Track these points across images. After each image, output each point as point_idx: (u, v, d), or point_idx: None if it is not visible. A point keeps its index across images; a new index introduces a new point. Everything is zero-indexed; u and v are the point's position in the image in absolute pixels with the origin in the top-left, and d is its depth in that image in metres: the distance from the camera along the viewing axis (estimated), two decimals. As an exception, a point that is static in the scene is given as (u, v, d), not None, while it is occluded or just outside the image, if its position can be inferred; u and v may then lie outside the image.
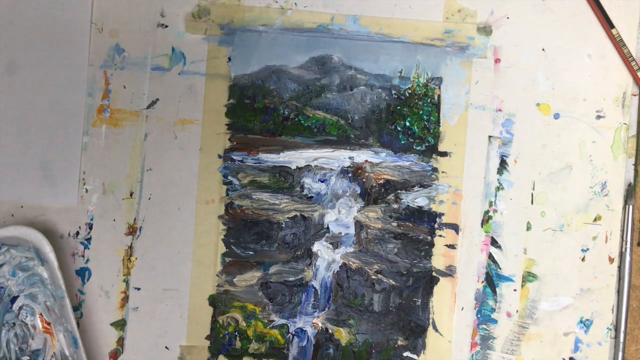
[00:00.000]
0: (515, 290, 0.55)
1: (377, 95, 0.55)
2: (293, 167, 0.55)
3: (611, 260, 0.55)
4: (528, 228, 0.55)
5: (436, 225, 0.55)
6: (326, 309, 0.55)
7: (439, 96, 0.55)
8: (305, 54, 0.55)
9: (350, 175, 0.55)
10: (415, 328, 0.55)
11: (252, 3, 0.55)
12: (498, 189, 0.55)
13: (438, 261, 0.55)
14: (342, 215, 0.55)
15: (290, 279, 0.55)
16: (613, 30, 0.55)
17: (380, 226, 0.55)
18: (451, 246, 0.55)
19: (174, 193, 0.55)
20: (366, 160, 0.55)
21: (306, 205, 0.55)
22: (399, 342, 0.55)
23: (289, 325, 0.55)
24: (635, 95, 0.56)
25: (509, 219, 0.55)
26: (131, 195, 0.55)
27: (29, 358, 0.53)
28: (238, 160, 0.55)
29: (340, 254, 0.55)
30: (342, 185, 0.55)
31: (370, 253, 0.55)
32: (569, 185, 0.55)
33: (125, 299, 0.54)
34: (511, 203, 0.55)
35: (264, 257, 0.55)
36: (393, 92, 0.55)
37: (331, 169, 0.55)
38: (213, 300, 0.55)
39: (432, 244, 0.55)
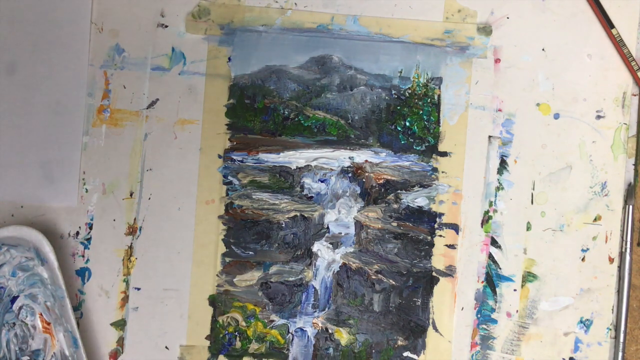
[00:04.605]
0: (515, 290, 0.55)
1: (377, 95, 0.55)
2: (293, 167, 0.55)
3: (611, 260, 0.55)
4: (528, 228, 0.55)
5: (436, 225, 0.55)
6: (326, 309, 0.55)
7: (439, 96, 0.55)
8: (305, 54, 0.55)
9: (350, 175, 0.55)
10: (415, 328, 0.55)
11: (252, 3, 0.55)
12: (498, 189, 0.55)
13: (438, 261, 0.55)
14: (342, 215, 0.55)
15: (290, 279, 0.55)
16: (613, 30, 0.55)
17: (380, 226, 0.55)
18: (451, 246, 0.55)
19: (174, 193, 0.55)
20: (366, 160, 0.55)
21: (306, 205, 0.55)
22: (399, 342, 0.55)
23: (289, 325, 0.55)
24: (635, 95, 0.56)
25: (509, 219, 0.55)
26: (131, 195, 0.55)
27: (29, 358, 0.53)
28: (238, 160, 0.55)
29: (340, 254, 0.55)
30: (342, 185, 0.55)
31: (370, 253, 0.55)
32: (569, 185, 0.55)
33: (125, 299, 0.54)
34: (511, 203, 0.55)
35: (264, 257, 0.55)
36: (393, 92, 0.55)
37: (331, 169, 0.55)
38: (213, 300, 0.55)
39: (432, 244, 0.55)
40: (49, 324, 0.53)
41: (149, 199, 0.55)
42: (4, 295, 0.52)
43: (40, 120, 0.54)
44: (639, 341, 0.56)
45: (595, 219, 0.56)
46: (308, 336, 0.55)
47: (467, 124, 0.55)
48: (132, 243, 0.55)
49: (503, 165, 0.55)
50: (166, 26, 0.55)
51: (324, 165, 0.55)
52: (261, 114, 0.55)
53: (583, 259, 0.55)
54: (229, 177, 0.55)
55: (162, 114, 0.55)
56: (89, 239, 0.54)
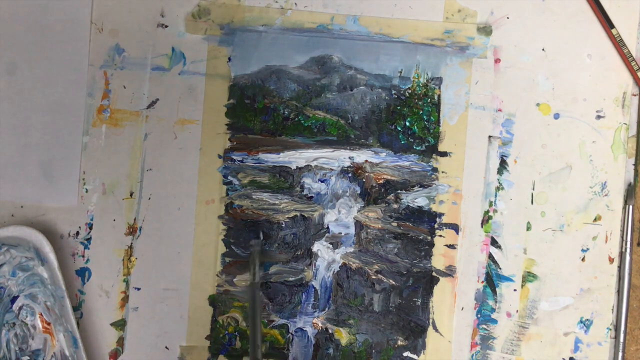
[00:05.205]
0: (515, 290, 0.55)
1: (377, 95, 0.55)
2: (293, 167, 0.55)
3: (611, 260, 0.55)
4: (528, 228, 0.55)
5: (436, 225, 0.55)
6: (326, 309, 0.55)
7: (439, 96, 0.55)
8: (305, 54, 0.55)
9: (350, 175, 0.55)
10: (415, 328, 0.55)
11: (252, 3, 0.55)
12: (498, 189, 0.55)
13: (438, 261, 0.55)
14: (342, 215, 0.55)
15: (290, 279, 0.55)
16: (613, 30, 0.55)
17: (380, 226, 0.55)
18: (451, 246, 0.55)
19: (174, 193, 0.55)
20: (366, 160, 0.55)
21: (306, 205, 0.55)
22: (399, 342, 0.55)
23: (289, 325, 0.55)
24: (635, 95, 0.56)
25: (509, 219, 0.55)
26: (131, 195, 0.55)
27: (29, 358, 0.53)
28: (238, 160, 0.55)
29: (340, 254, 0.55)
30: (342, 185, 0.55)
31: (370, 253, 0.55)
32: (569, 185, 0.55)
33: (125, 299, 0.54)
34: (511, 203, 0.55)
35: (264, 257, 0.55)
36: (393, 92, 0.55)
37: (331, 169, 0.55)
38: (213, 300, 0.55)
39: (432, 244, 0.55)
40: (49, 324, 0.53)
41: (149, 199, 0.55)
42: (4, 295, 0.52)
43: (40, 120, 0.54)
44: (639, 341, 0.56)
45: (595, 219, 0.56)
46: (308, 336, 0.55)
47: (467, 124, 0.55)
48: (132, 243, 0.55)
49: (503, 165, 0.55)
50: (166, 26, 0.55)
51: (324, 165, 0.55)
52: (261, 114, 0.55)
53: (583, 259, 0.55)
54: (229, 177, 0.55)
55: (162, 114, 0.55)
56: (89, 239, 0.54)
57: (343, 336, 0.55)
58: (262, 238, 0.54)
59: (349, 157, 0.55)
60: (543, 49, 0.55)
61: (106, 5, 0.55)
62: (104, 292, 0.54)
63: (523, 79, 0.55)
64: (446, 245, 0.55)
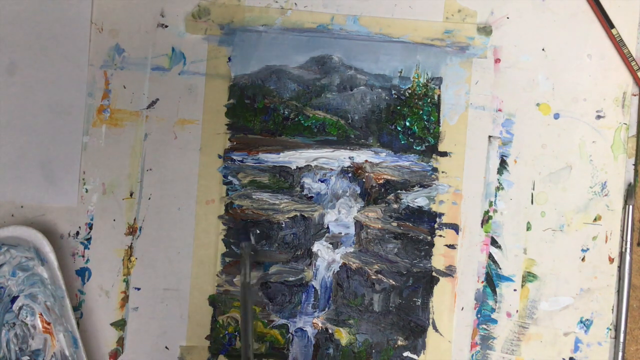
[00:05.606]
0: (515, 290, 0.55)
1: (377, 95, 0.55)
2: (293, 167, 0.55)
3: (611, 260, 0.55)
4: (528, 228, 0.55)
5: (436, 225, 0.55)
6: (326, 309, 0.55)
7: (439, 96, 0.55)
8: (305, 54, 0.55)
9: (350, 175, 0.55)
10: (415, 328, 0.55)
11: (252, 3, 0.55)
12: (498, 189, 0.55)
13: (438, 261, 0.55)
14: (342, 215, 0.55)
15: (290, 279, 0.55)
16: (613, 30, 0.55)
17: (380, 226, 0.55)
18: (451, 246, 0.55)
19: (174, 193, 0.55)
20: (366, 160, 0.55)
21: (306, 205, 0.55)
22: (399, 342, 0.55)
23: (289, 325, 0.55)
24: (635, 95, 0.56)
25: (509, 219, 0.55)
26: (131, 195, 0.55)
27: (29, 358, 0.53)
28: (238, 160, 0.55)
29: (340, 254, 0.55)
30: (342, 185, 0.55)
31: (370, 253, 0.55)
32: (569, 185, 0.56)
33: (125, 299, 0.54)
34: (511, 203, 0.55)
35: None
36: (393, 92, 0.55)
37: (331, 169, 0.55)
38: (213, 300, 0.55)
39: (432, 244, 0.55)
40: (49, 324, 0.53)
41: (149, 199, 0.55)
42: (4, 295, 0.52)
43: (40, 120, 0.54)
44: (639, 341, 0.56)
45: (595, 219, 0.56)
46: (308, 336, 0.55)
47: (467, 124, 0.55)
48: (132, 243, 0.55)
49: (503, 165, 0.55)
50: (166, 26, 0.55)
51: (324, 165, 0.55)
52: (261, 114, 0.55)
53: (583, 259, 0.55)
54: (229, 177, 0.55)
55: (162, 114, 0.55)
56: (89, 239, 0.54)
57: (343, 336, 0.55)
58: (252, 240, 0.54)
59: (349, 157, 0.55)
60: (543, 49, 0.55)
61: (106, 5, 0.55)
62: (104, 292, 0.54)
63: (523, 79, 0.55)
64: (446, 245, 0.55)
